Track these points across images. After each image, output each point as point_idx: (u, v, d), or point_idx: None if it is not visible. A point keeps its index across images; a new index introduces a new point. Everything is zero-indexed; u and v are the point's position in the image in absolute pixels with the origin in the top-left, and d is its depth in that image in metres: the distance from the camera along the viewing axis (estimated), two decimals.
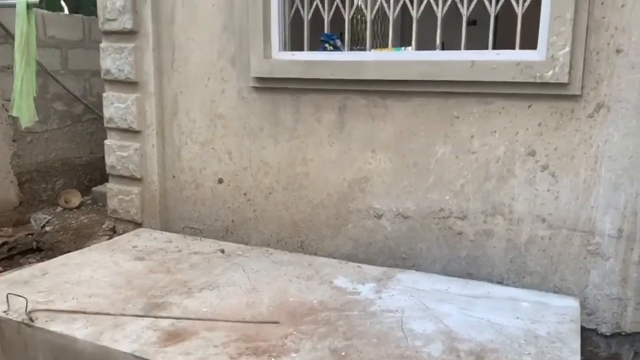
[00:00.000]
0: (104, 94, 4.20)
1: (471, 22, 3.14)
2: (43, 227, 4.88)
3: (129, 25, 3.93)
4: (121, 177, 4.24)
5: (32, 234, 4.71)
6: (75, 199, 5.32)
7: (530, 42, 2.93)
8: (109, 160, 4.26)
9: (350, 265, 3.27)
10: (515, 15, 2.95)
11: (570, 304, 2.73)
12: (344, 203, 3.50)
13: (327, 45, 3.66)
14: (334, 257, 3.47)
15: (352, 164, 3.45)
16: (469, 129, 3.09)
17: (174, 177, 4.09)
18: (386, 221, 3.39)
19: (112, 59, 4.07)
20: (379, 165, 3.37)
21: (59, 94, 5.30)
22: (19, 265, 4.24)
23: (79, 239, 4.61)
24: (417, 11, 3.25)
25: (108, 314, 2.60)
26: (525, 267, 3.07)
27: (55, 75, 5.18)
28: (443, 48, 3.28)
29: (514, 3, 2.95)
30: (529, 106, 2.93)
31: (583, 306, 2.88)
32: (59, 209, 5.23)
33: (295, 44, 3.68)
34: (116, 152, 4.21)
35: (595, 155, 2.81)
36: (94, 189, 5.45)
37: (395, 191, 3.33)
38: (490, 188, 3.08)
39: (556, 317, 2.58)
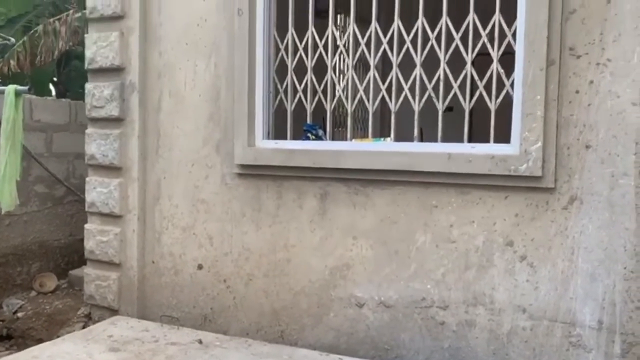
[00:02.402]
0: (87, 179, 4.22)
1: (448, 109, 3.28)
2: (15, 312, 4.72)
3: (115, 112, 4.02)
4: (99, 262, 4.18)
5: (2, 320, 4.55)
6: (51, 282, 5.20)
7: (505, 133, 3.05)
8: (88, 244, 4.21)
9: (332, 358, 3.19)
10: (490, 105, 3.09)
11: None
12: (325, 291, 3.48)
13: (309, 134, 3.77)
14: (315, 348, 3.39)
15: (333, 250, 3.46)
16: (448, 218, 3.15)
17: (153, 262, 4.05)
18: (368, 310, 3.35)
19: (97, 145, 4.12)
20: (361, 253, 3.38)
21: (41, 176, 5.32)
22: None
23: (52, 326, 4.46)
24: (395, 105, 3.40)
25: None
26: (508, 358, 3.03)
27: (39, 158, 5.21)
28: (422, 134, 3.40)
29: (486, 99, 3.10)
30: (506, 197, 3.01)
31: None
32: (33, 293, 5.09)
33: (279, 132, 3.78)
34: (96, 236, 4.17)
35: (571, 246, 2.87)
36: (71, 272, 5.33)
37: (377, 279, 3.33)
38: (470, 278, 3.10)
39: None
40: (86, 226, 4.24)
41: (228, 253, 3.77)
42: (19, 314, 4.69)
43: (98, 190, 4.14)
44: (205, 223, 3.85)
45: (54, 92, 9.19)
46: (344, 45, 3.77)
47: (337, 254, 3.44)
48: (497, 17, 3.06)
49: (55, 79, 8.94)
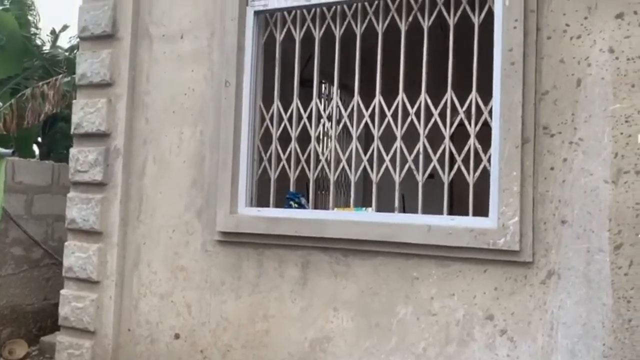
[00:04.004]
0: (66, 243, 4.17)
1: (429, 176, 3.34)
2: None
3: (99, 177, 4.04)
4: (74, 329, 4.06)
5: None
6: (21, 349, 5.01)
7: (484, 203, 3.11)
8: (63, 311, 4.11)
9: None
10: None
11: None
12: None
13: (292, 202, 3.81)
14: None
15: (314, 322, 3.41)
16: (429, 291, 3.15)
17: (129, 330, 3.94)
18: None
19: (78, 209, 4.10)
20: (341, 325, 3.34)
21: (19, 238, 5.24)
22: None
23: None
24: (377, 175, 3.47)
25: None
26: None
27: (17, 220, 5.15)
28: (403, 200, 3.45)
29: (465, 173, 3.19)
30: (485, 270, 3.03)
31: None
32: None
33: (262, 199, 3.81)
34: (72, 302, 4.07)
35: (550, 321, 2.87)
36: (42, 338, 5.16)
37: (357, 353, 3.28)
38: (451, 352, 3.07)
39: None
40: (62, 292, 4.15)
41: (206, 322, 3.70)
42: None
43: (76, 255, 4.08)
44: (184, 291, 3.80)
45: (37, 152, 9.19)
46: (328, 116, 3.91)
47: (318, 326, 3.39)
48: (473, 95, 3.19)
49: (39, 139, 8.97)
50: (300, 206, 3.81)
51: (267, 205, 3.72)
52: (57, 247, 5.29)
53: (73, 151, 4.18)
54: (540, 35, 2.98)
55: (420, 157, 3.33)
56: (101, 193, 4.06)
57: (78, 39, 4.46)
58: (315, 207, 3.77)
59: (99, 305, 3.99)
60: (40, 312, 5.45)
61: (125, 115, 4.04)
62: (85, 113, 4.13)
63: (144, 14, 4.08)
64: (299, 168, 3.69)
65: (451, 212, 3.27)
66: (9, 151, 4.19)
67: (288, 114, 3.71)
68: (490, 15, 3.16)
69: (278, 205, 3.73)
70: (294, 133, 3.70)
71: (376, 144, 3.47)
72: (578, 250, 2.84)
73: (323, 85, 6.38)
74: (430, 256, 3.15)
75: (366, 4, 3.52)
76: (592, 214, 2.83)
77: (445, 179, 3.26)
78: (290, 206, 3.79)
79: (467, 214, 3.15)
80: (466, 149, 3.18)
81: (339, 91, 3.97)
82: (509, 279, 2.97)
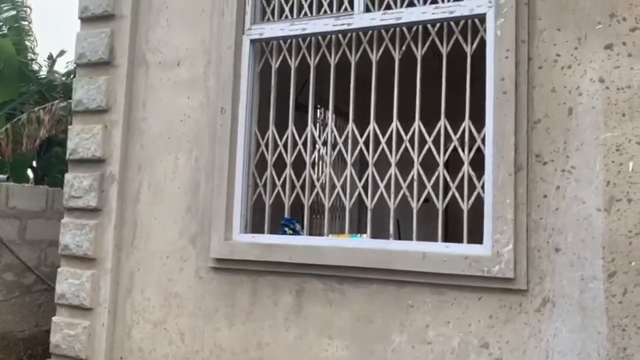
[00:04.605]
0: (59, 269, 4.14)
1: (425, 200, 3.35)
2: None
3: (93, 203, 4.03)
4: (65, 357, 4.01)
5: None
6: None
7: (479, 229, 3.11)
8: (55, 338, 4.06)
9: None
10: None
11: None
12: None
13: (286, 229, 3.80)
14: None
15: (308, 350, 3.38)
16: (424, 319, 3.14)
17: (121, 358, 3.90)
18: None
19: (72, 235, 4.08)
20: (336, 353, 3.31)
21: (11, 264, 5.20)
22: None
23: None
24: (372, 201, 3.48)
25: None
26: None
27: (10, 245, 5.13)
28: (398, 225, 3.44)
29: (459, 199, 3.20)
30: (480, 298, 3.02)
31: None
32: None
33: (256, 224, 3.80)
34: (64, 329, 4.03)
35: (545, 349, 2.86)
36: None
37: None
38: None
39: None
40: (54, 319, 4.11)
41: (199, 351, 3.66)
42: None
43: (69, 282, 4.05)
44: (177, 318, 3.77)
45: (31, 176, 9.17)
46: (323, 142, 3.94)
47: (312, 354, 3.36)
48: (466, 122, 3.23)
49: (34, 163, 8.96)
50: (295, 232, 3.81)
51: (262, 231, 3.72)
52: (50, 272, 5.25)
53: (68, 177, 4.18)
54: (532, 64, 3.03)
55: (415, 183, 3.35)
56: (95, 219, 4.05)
57: (75, 65, 4.49)
58: (311, 231, 3.76)
59: (91, 332, 3.94)
60: (31, 339, 5.38)
61: (121, 141, 4.05)
62: (81, 139, 4.14)
63: (141, 41, 4.13)
64: (294, 194, 3.70)
65: (446, 234, 3.28)
66: (3, 177, 4.20)
67: (283, 140, 3.74)
68: (482, 43, 3.21)
69: (273, 230, 3.73)
70: (288, 159, 3.72)
71: (371, 170, 3.49)
72: (572, 277, 2.84)
73: (318, 111, 6.44)
74: (425, 283, 3.15)
75: (360, 33, 3.58)
76: (585, 241, 2.84)
77: (440, 205, 3.27)
78: (285, 232, 3.78)
79: (462, 237, 3.16)
80: (460, 176, 3.20)
81: (334, 117, 4.00)
82: (503, 306, 2.97)
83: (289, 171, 3.71)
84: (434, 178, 3.29)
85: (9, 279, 5.24)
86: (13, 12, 9.76)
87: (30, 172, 9.20)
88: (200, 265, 3.76)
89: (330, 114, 3.79)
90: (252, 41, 3.82)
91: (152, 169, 3.99)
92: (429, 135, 3.33)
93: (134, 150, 4.07)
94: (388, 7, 3.51)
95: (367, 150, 3.51)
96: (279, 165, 3.74)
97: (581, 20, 2.95)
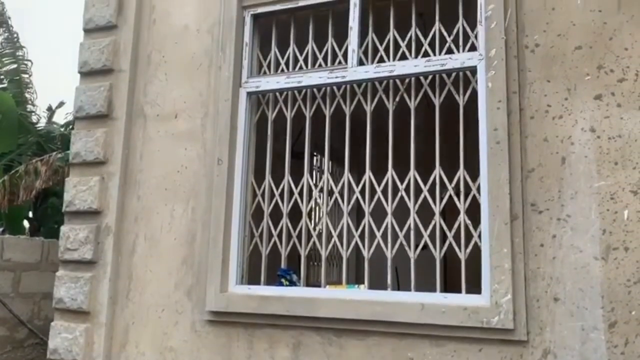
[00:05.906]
0: (52, 324, 4.06)
1: (423, 247, 3.33)
2: None
3: (89, 255, 4.00)
4: None
5: None
6: None
7: (477, 278, 3.08)
8: None
9: None
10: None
11: None
12: None
13: (283, 280, 3.77)
14: None
15: None
16: None
17: None
18: None
19: (66, 288, 4.03)
20: None
21: (4, 318, 5.12)
22: None
23: None
24: (369, 251, 3.46)
25: None
26: None
27: (4, 298, 5.05)
28: (397, 273, 3.41)
29: (456, 249, 3.19)
30: (480, 349, 2.97)
31: None
32: None
33: (253, 274, 3.76)
34: None
35: None
36: None
37: None
38: None
39: None
40: None
41: None
42: None
43: (62, 336, 3.97)
44: None
45: (27, 226, 9.12)
46: (320, 190, 3.97)
47: None
48: (461, 172, 3.25)
49: (30, 214, 8.92)
50: (292, 283, 3.77)
51: (259, 280, 3.68)
52: (43, 326, 5.16)
53: (64, 229, 4.16)
54: (524, 115, 3.08)
55: (412, 232, 3.34)
56: (90, 271, 4.00)
57: (73, 116, 4.54)
58: (308, 279, 3.74)
59: None
60: None
61: (118, 192, 4.05)
62: (78, 191, 4.14)
63: (139, 94, 4.19)
64: (291, 243, 3.68)
65: (445, 281, 3.25)
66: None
67: (279, 189, 3.75)
68: (475, 94, 3.27)
69: (269, 280, 3.69)
70: (285, 208, 3.73)
71: (367, 219, 3.49)
72: (573, 328, 2.81)
73: (315, 158, 6.49)
74: (424, 335, 3.10)
75: (355, 85, 3.65)
76: (584, 291, 2.82)
77: (437, 255, 3.25)
78: (281, 283, 3.75)
79: (460, 285, 3.13)
80: (456, 225, 3.20)
81: (330, 164, 4.03)
82: (504, 358, 2.91)
83: (285, 220, 3.71)
84: (430, 226, 3.29)
85: (1, 334, 5.14)
86: (14, 65, 9.94)
87: (26, 223, 9.15)
88: (196, 319, 3.70)
89: (326, 163, 3.82)
90: (249, 94, 3.89)
91: (148, 221, 3.98)
92: (425, 183, 3.35)
93: (130, 202, 4.07)
94: (381, 60, 3.59)
95: (364, 199, 3.52)
96: (276, 214, 3.74)
97: (570, 72, 3.02)
